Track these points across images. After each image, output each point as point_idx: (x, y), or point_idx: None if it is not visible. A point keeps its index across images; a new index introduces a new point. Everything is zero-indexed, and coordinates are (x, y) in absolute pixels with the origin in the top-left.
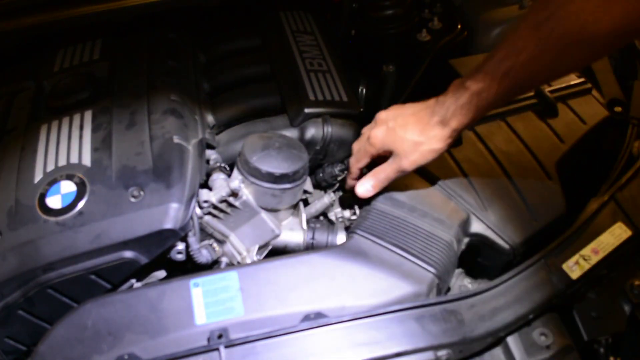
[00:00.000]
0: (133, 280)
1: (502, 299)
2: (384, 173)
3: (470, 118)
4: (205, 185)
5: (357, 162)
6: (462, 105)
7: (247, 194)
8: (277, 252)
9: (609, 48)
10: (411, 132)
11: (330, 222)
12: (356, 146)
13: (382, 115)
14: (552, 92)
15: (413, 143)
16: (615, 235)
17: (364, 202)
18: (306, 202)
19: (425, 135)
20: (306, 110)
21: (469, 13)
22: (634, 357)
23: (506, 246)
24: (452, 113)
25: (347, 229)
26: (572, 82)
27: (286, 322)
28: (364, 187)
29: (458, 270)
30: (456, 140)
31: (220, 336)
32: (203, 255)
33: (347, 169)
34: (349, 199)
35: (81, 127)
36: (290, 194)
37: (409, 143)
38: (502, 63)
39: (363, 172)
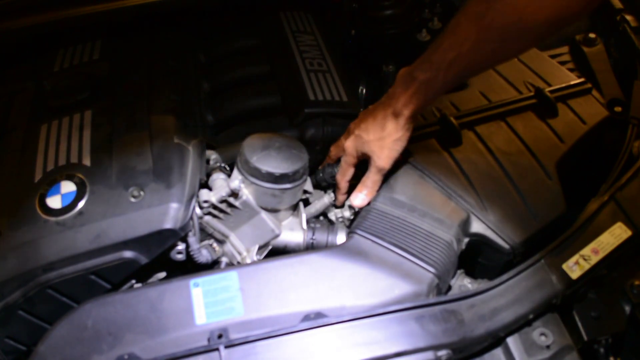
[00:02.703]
0: (133, 280)
1: (502, 299)
2: (369, 180)
3: (421, 105)
4: (205, 185)
5: (343, 176)
6: (411, 95)
7: (247, 194)
8: (277, 252)
9: (546, 36)
10: (372, 132)
11: (330, 222)
12: (342, 162)
13: (351, 125)
14: (552, 92)
15: (377, 142)
16: (615, 235)
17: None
18: (306, 202)
19: (384, 131)
20: (306, 110)
21: None
22: (634, 357)
23: (506, 246)
24: (402, 104)
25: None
26: (572, 82)
27: (286, 322)
28: (359, 199)
29: (458, 270)
30: (457, 141)
31: (220, 336)
32: (203, 255)
33: None
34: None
35: (81, 127)
36: (290, 194)
37: (374, 143)
38: (447, 53)
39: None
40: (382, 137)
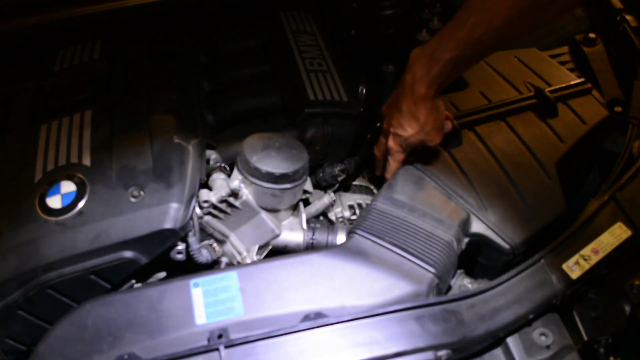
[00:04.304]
0: (133, 280)
1: (502, 299)
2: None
3: (445, 82)
4: (205, 185)
5: (392, 173)
6: (435, 76)
7: (247, 194)
8: (277, 252)
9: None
10: (409, 127)
11: (330, 222)
12: (390, 160)
13: (384, 125)
14: (552, 92)
15: (418, 133)
16: (615, 235)
17: None
18: (306, 202)
19: (419, 121)
20: (306, 110)
21: None
22: (634, 357)
23: (506, 246)
24: (427, 86)
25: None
26: (572, 82)
27: (286, 322)
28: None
29: (458, 270)
30: (457, 141)
31: (220, 336)
32: (203, 255)
33: (347, 169)
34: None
35: (81, 127)
36: (290, 194)
37: (417, 135)
38: (475, 30)
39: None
40: (422, 127)
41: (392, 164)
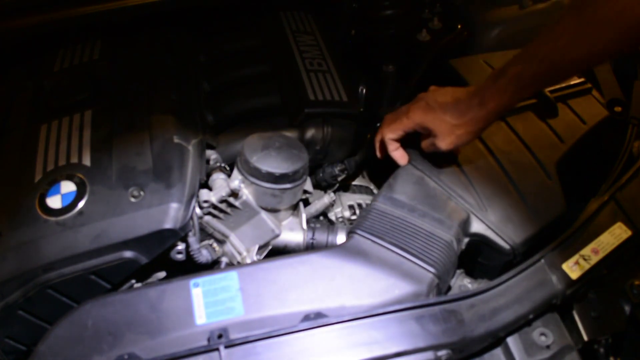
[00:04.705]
0: (133, 280)
1: (502, 299)
2: (425, 149)
3: (507, 100)
4: (205, 185)
5: (391, 132)
6: (499, 87)
7: (247, 194)
8: (277, 252)
9: None
10: (450, 113)
11: (330, 222)
12: (390, 117)
13: (421, 94)
14: (552, 92)
15: (451, 125)
16: (615, 235)
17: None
18: (306, 202)
19: (463, 118)
20: (306, 110)
21: (469, 13)
22: (634, 357)
23: (506, 246)
24: (489, 95)
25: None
26: (572, 82)
27: (286, 322)
28: (399, 154)
29: (458, 270)
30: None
31: (220, 336)
32: (203, 255)
33: (347, 169)
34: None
35: (81, 127)
36: (290, 194)
37: (447, 125)
38: (542, 46)
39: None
40: (458, 125)
41: (396, 127)
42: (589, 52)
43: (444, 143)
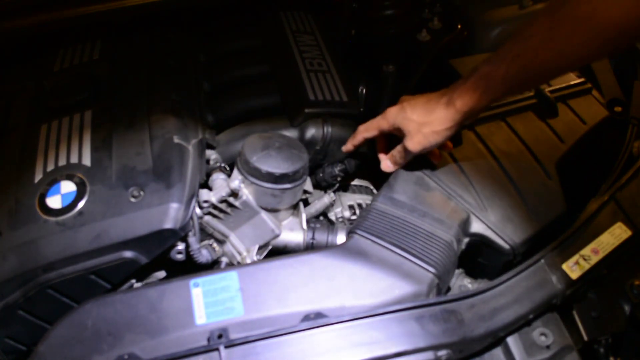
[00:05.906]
0: (133, 280)
1: (502, 299)
2: (398, 154)
3: (475, 100)
4: (205, 185)
5: (365, 130)
6: (468, 86)
7: (247, 194)
8: (277, 252)
9: (615, 44)
10: (418, 112)
11: (330, 222)
12: (373, 120)
13: (403, 97)
14: (552, 92)
15: (417, 124)
16: (615, 235)
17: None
18: (306, 202)
19: (429, 116)
20: (306, 110)
21: (469, 13)
22: (634, 357)
23: (506, 246)
24: (458, 94)
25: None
26: (572, 82)
27: (286, 322)
28: (387, 165)
29: (458, 270)
30: (460, 129)
31: (220, 336)
32: (203, 255)
33: (347, 169)
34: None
35: (81, 127)
36: (290, 194)
37: (414, 124)
38: (514, 46)
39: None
40: (424, 123)
41: (372, 123)
42: (560, 53)
43: (411, 143)
